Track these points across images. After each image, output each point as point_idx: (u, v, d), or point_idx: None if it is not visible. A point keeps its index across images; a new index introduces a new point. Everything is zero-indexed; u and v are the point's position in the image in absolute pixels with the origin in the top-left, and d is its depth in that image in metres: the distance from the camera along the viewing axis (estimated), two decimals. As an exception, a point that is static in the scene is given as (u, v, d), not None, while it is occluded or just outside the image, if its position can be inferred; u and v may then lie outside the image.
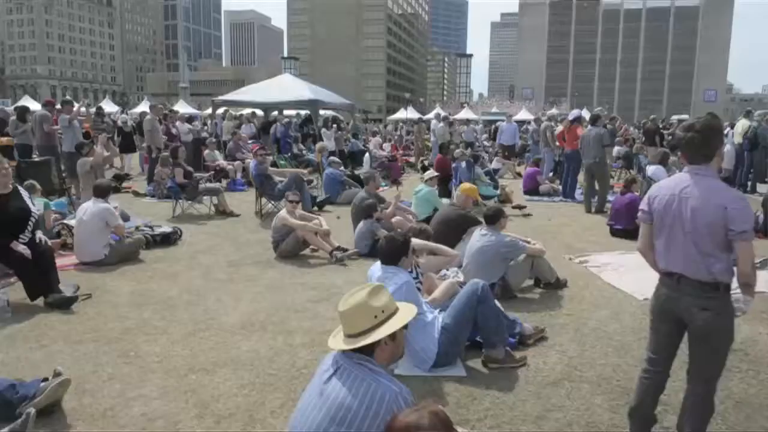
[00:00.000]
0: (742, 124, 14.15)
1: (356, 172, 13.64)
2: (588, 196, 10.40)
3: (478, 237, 5.27)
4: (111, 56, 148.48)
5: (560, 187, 12.44)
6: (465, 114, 42.93)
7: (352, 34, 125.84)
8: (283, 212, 6.76)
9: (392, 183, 13.81)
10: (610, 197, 10.05)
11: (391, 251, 3.67)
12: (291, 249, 6.65)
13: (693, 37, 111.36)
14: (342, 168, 11.83)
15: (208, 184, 9.79)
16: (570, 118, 11.75)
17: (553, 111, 16.94)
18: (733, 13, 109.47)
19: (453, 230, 6.15)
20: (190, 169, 9.73)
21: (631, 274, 6.23)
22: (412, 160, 19.18)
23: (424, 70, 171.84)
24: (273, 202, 9.36)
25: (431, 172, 8.71)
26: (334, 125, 15.92)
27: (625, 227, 8.10)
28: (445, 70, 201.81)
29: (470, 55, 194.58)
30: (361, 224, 6.91)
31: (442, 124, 17.14)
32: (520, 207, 9.83)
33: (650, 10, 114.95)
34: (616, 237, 8.18)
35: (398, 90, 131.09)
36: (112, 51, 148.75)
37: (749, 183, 13.38)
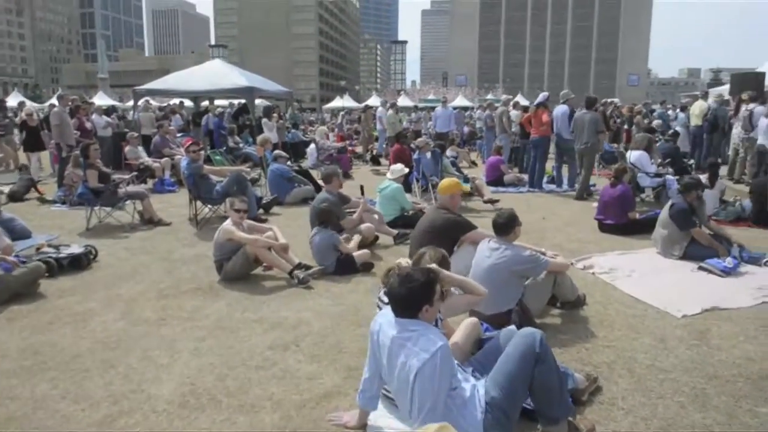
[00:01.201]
0: (700, 105, 13.81)
1: (302, 165, 12.28)
2: (560, 177, 10.69)
3: (487, 251, 4.14)
4: (21, 46, 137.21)
5: (525, 176, 11.60)
6: (402, 101, 41.97)
7: (282, 21, 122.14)
8: (227, 224, 5.38)
9: (343, 177, 12.54)
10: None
11: (410, 298, 2.45)
12: (240, 270, 5.31)
13: (616, 23, 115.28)
14: (289, 162, 10.44)
15: (130, 187, 8.19)
16: (536, 102, 10.84)
17: (509, 96, 16.00)
18: (652, 2, 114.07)
19: (442, 240, 4.99)
20: (106, 170, 8.09)
21: (648, 282, 5.33)
22: (358, 150, 17.94)
23: (357, 58, 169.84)
24: (210, 207, 7.91)
25: (401, 168, 7.52)
26: (275, 115, 14.34)
27: (616, 222, 7.23)
28: (378, 58, 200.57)
29: (405, 42, 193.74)
30: (316, 236, 5.63)
31: (391, 111, 15.95)
32: (492, 201, 8.82)
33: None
34: (607, 233, 7.31)
35: (332, 78, 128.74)
36: (22, 41, 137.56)
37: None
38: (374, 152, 16.17)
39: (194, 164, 7.74)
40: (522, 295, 4.08)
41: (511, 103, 14.86)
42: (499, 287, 3.94)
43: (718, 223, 8.08)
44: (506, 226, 4.14)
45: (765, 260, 5.76)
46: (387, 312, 2.58)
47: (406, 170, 7.75)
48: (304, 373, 3.43)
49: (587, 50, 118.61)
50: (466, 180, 8.68)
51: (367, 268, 5.57)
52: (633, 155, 8.53)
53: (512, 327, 3.01)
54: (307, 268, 5.37)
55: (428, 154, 9.24)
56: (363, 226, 6.21)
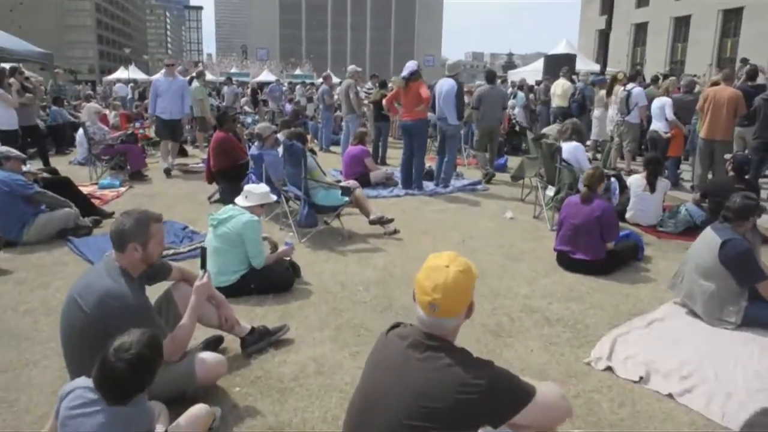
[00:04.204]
0: (562, 85, 12.29)
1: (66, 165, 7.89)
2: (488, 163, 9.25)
3: None
4: None
5: (394, 171, 8.77)
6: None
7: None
8: None
9: (128, 180, 8.40)
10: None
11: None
12: None
13: (412, 5, 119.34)
14: (29, 165, 6.16)
15: None
16: (405, 73, 7.91)
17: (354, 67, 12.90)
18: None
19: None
20: None
21: (674, 372, 3.05)
22: (153, 134, 13.42)
23: (144, 25, 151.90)
24: None
25: (265, 192, 4.07)
26: (11, 81, 9.11)
27: (593, 258, 4.70)
28: (168, 27, 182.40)
29: (200, 8, 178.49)
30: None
31: (197, 82, 11.86)
32: (383, 222, 5.75)
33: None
34: (574, 271, 4.77)
35: (114, 47, 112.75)
36: None
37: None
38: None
39: None
40: None
41: (355, 72, 11.68)
42: None
43: (666, 236, 6.16)
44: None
45: None
46: None
47: (274, 198, 4.31)
48: None
49: (387, 30, 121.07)
50: (346, 193, 5.45)
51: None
52: (565, 149, 6.15)
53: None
54: None
55: (278, 150, 5.79)
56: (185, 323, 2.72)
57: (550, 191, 6.21)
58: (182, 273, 3.00)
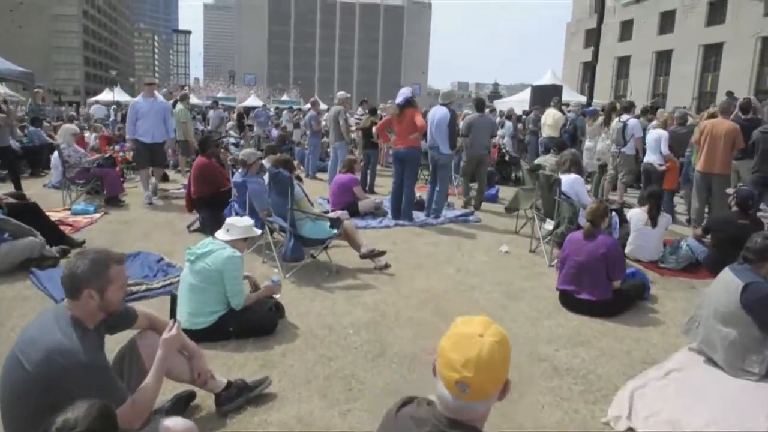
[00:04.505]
0: (553, 115, 12.18)
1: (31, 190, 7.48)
2: (468, 191, 9.15)
3: None
4: None
5: (382, 201, 8.47)
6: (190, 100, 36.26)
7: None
8: None
9: (103, 205, 7.99)
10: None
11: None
12: None
13: (399, 34, 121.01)
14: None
15: None
16: (399, 100, 7.68)
17: (343, 93, 12.71)
18: (431, 17, 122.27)
19: None
20: None
21: None
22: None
23: (131, 48, 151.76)
24: None
25: (248, 225, 3.71)
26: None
27: (600, 298, 4.40)
28: (156, 50, 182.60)
29: (188, 32, 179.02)
30: None
31: (181, 104, 11.53)
32: (374, 255, 5.40)
33: (363, 5, 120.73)
34: (579, 313, 4.46)
35: (101, 69, 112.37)
36: None
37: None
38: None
39: None
40: None
41: (346, 99, 11.43)
42: None
43: (668, 273, 5.90)
44: None
45: None
46: None
47: (258, 232, 3.96)
48: None
49: (374, 58, 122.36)
50: (335, 224, 5.11)
51: None
52: (564, 181, 5.88)
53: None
54: None
55: (263, 178, 5.44)
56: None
57: (549, 225, 5.92)
58: (150, 320, 2.60)
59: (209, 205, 6.48)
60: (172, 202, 8.63)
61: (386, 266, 5.43)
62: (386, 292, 4.83)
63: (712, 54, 32.91)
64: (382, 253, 5.41)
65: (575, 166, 6.15)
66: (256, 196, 5.63)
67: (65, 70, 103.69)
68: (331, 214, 5.51)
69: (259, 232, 3.97)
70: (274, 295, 3.99)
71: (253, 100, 41.91)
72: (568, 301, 4.55)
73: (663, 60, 36.46)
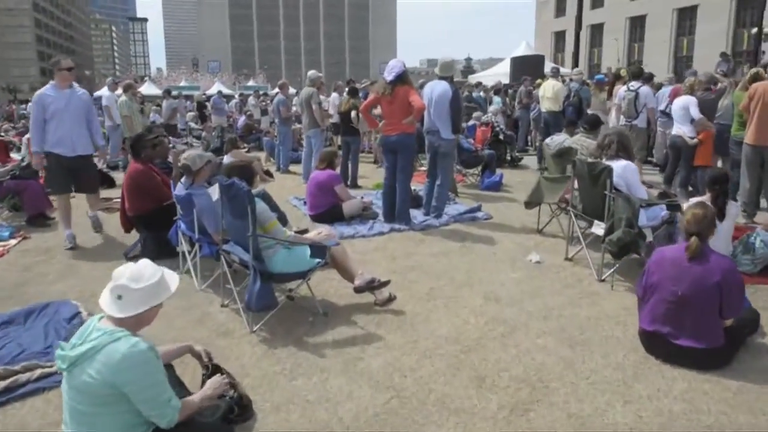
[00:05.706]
0: (553, 86, 10.75)
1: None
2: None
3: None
4: None
5: (371, 199, 7.02)
6: (148, 89, 34.11)
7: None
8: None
9: (22, 228, 6.34)
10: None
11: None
12: None
13: (365, 12, 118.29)
14: None
15: None
16: (391, 77, 6.06)
17: (315, 72, 11.03)
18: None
19: None
20: None
21: None
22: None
23: (88, 40, 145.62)
24: None
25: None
26: None
27: (708, 345, 3.03)
28: (115, 41, 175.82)
29: (144, 19, 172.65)
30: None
31: (125, 96, 9.81)
32: (374, 287, 3.95)
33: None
34: (671, 363, 3.11)
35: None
36: None
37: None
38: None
39: None
40: None
41: (317, 78, 9.77)
42: None
43: (746, 280, 4.58)
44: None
45: None
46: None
47: (171, 290, 2.37)
48: None
49: (341, 38, 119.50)
50: (317, 253, 3.64)
51: None
52: (614, 168, 4.50)
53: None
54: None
55: (212, 191, 3.90)
56: None
57: (598, 228, 4.54)
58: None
59: (150, 225, 4.95)
60: (116, 216, 6.98)
61: (390, 299, 4.00)
62: (398, 346, 3.41)
63: (686, 17, 32.19)
64: (385, 284, 3.97)
65: (624, 150, 4.75)
66: (206, 213, 4.11)
67: (19, 67, 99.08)
68: (313, 237, 3.99)
69: (172, 290, 2.30)
70: (224, 394, 2.48)
71: (218, 88, 39.79)
72: (660, 347, 3.19)
73: (637, 26, 35.56)
